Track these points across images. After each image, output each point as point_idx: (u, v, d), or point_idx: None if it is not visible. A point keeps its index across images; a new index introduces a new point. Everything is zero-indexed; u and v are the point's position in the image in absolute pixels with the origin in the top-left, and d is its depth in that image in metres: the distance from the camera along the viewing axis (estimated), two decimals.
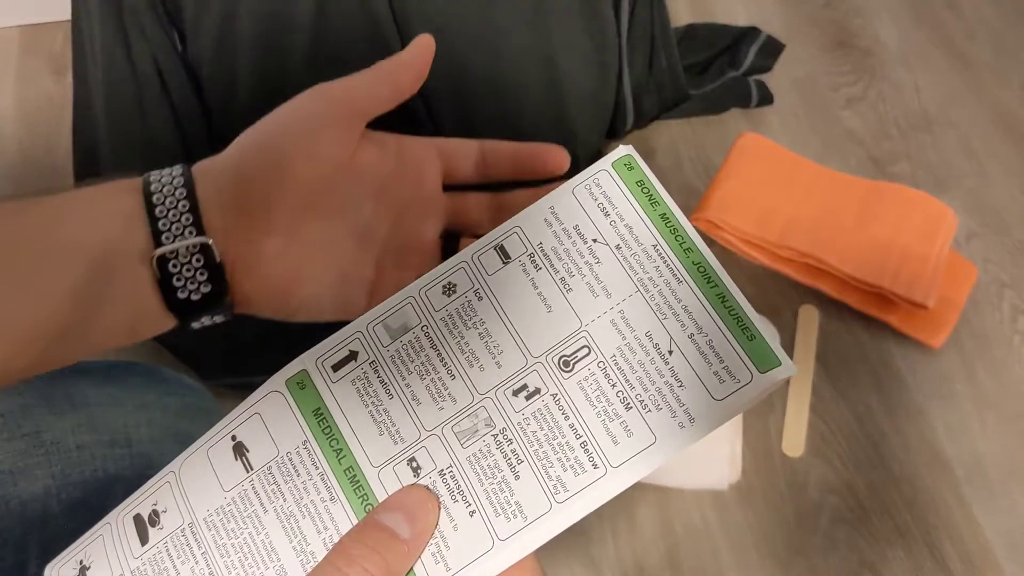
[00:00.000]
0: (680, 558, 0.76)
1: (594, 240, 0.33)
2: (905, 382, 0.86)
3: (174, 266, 0.33)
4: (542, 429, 0.31)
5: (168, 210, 0.33)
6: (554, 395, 0.31)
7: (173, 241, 0.33)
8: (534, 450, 0.31)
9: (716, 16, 1.20)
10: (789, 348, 0.87)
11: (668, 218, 0.33)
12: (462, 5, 0.73)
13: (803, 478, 0.80)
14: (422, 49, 0.40)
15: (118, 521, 0.34)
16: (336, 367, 0.33)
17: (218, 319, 0.35)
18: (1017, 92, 1.11)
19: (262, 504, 0.32)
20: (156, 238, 0.33)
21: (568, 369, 0.32)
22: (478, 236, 0.35)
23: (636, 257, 0.32)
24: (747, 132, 1.00)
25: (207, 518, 0.33)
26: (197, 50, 0.72)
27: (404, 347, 0.33)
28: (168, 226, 0.33)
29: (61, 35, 1.18)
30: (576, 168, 0.96)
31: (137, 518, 0.34)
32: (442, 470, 0.31)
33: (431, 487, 0.31)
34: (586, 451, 0.31)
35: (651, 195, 0.33)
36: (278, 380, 0.33)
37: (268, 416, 0.33)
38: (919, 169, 1.03)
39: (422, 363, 0.33)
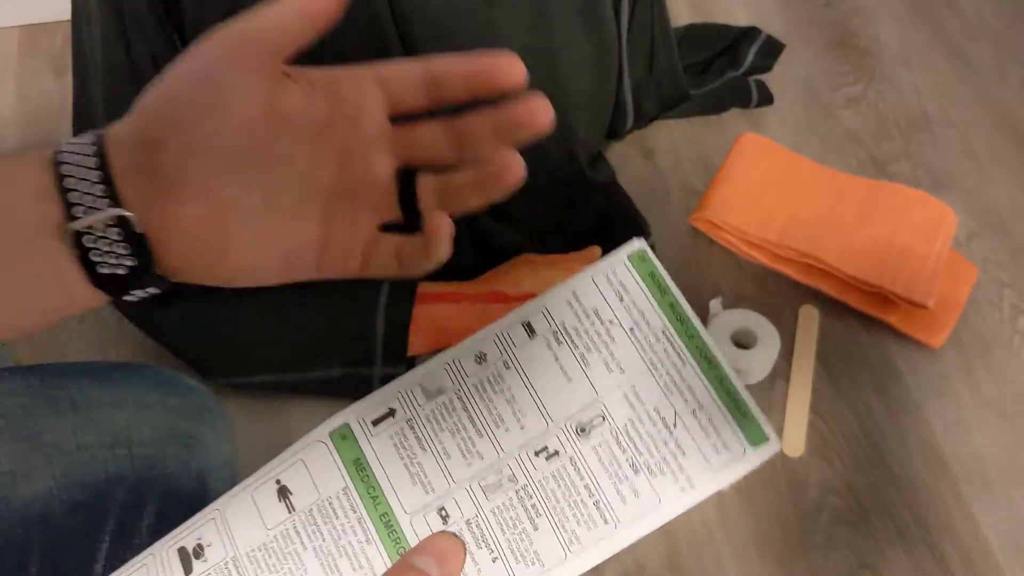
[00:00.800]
0: (680, 558, 0.76)
1: (610, 322, 0.37)
2: (905, 382, 0.86)
3: (91, 240, 0.31)
4: (560, 487, 0.35)
5: (79, 181, 0.31)
6: (571, 457, 0.35)
7: (86, 215, 0.31)
8: (552, 505, 0.35)
9: (716, 16, 1.20)
10: (789, 348, 0.87)
11: (675, 307, 0.37)
12: (462, 4, 0.73)
13: (803, 478, 0.80)
14: None
15: (162, 553, 0.36)
16: (376, 422, 0.37)
17: (153, 291, 0.34)
18: (1017, 92, 1.11)
19: (302, 543, 0.35)
20: (68, 212, 0.31)
21: (584, 434, 0.36)
22: (437, 170, 0.37)
23: (647, 339, 0.37)
24: (747, 132, 1.00)
25: (250, 553, 0.35)
26: None
27: (438, 407, 0.37)
28: (80, 199, 0.31)
29: (61, 35, 1.18)
30: (574, 160, 0.95)
31: (182, 551, 0.36)
32: (469, 519, 0.35)
33: (458, 534, 0.34)
34: (598, 509, 0.34)
35: (661, 285, 0.38)
36: (322, 431, 0.37)
37: (311, 463, 0.36)
38: (919, 169, 1.03)
39: (454, 423, 0.36)
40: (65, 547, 0.51)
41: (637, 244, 0.38)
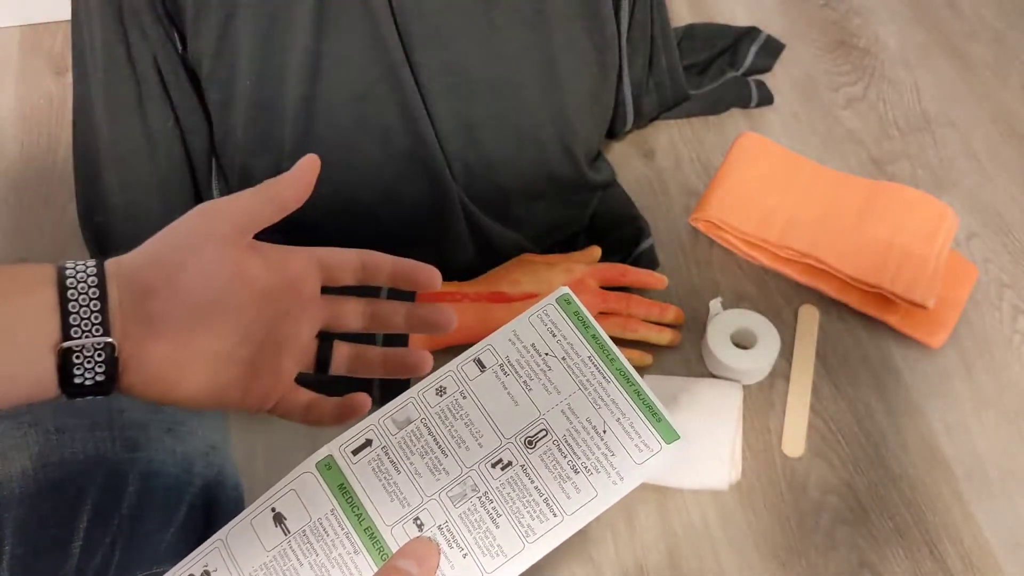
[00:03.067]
0: (680, 558, 0.76)
1: (546, 354, 0.45)
2: (905, 382, 0.86)
3: (77, 357, 0.37)
4: (514, 491, 0.42)
5: (80, 307, 0.37)
6: (522, 466, 0.43)
7: (81, 336, 0.37)
8: (509, 506, 0.42)
9: (716, 16, 1.20)
10: (789, 348, 0.88)
11: (597, 337, 0.45)
12: (462, 5, 0.73)
13: (803, 478, 0.80)
14: (307, 169, 0.44)
15: None
16: (355, 452, 0.43)
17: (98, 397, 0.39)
18: (1017, 92, 1.11)
19: (298, 559, 0.41)
20: (65, 331, 0.37)
21: (532, 446, 0.43)
22: (350, 339, 0.47)
23: (576, 365, 0.45)
24: (747, 132, 1.00)
25: (252, 573, 0.41)
26: (197, 50, 0.72)
27: (408, 435, 0.44)
28: (78, 322, 0.37)
29: (61, 35, 1.18)
30: (574, 160, 0.95)
31: None
32: (440, 525, 0.41)
33: (433, 538, 0.41)
34: (547, 505, 0.42)
35: (584, 321, 0.46)
36: (309, 463, 0.43)
37: (302, 492, 0.43)
38: (919, 169, 1.03)
39: (422, 446, 0.43)
40: (41, 525, 0.51)
41: (562, 290, 0.47)
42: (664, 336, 0.86)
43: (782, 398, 0.85)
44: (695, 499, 0.79)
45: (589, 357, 0.45)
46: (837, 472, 0.81)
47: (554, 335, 0.46)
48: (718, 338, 0.85)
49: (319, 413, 0.46)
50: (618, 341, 0.85)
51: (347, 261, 0.46)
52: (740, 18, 1.19)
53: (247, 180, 0.77)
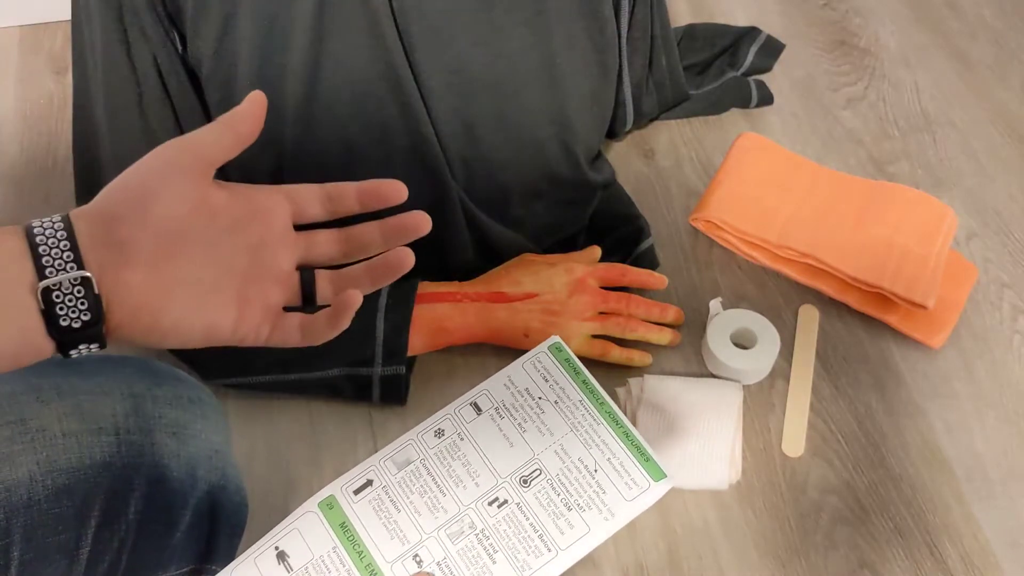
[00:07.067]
0: (680, 558, 0.76)
1: (539, 398, 0.48)
2: (905, 382, 0.86)
3: (57, 296, 0.38)
4: (510, 528, 0.45)
5: (51, 248, 0.38)
6: (518, 503, 0.45)
7: (56, 273, 0.38)
8: (505, 543, 0.44)
9: (716, 16, 1.20)
10: (789, 348, 0.88)
11: (587, 383, 0.49)
12: (462, 4, 0.73)
13: (803, 478, 0.80)
14: (256, 103, 0.45)
15: None
16: (357, 491, 0.46)
17: (94, 348, 0.40)
18: (1017, 92, 1.11)
19: None
20: (39, 271, 0.38)
21: (526, 485, 0.46)
22: (331, 267, 0.47)
23: (568, 408, 0.48)
24: (747, 132, 1.00)
25: None
26: (197, 50, 0.72)
27: (407, 475, 0.46)
28: (51, 262, 0.38)
29: (61, 35, 1.18)
30: (574, 160, 0.95)
31: None
32: (439, 561, 0.44)
33: (432, 574, 0.43)
34: (542, 540, 0.44)
35: (575, 368, 0.49)
36: (312, 503, 0.46)
37: (305, 530, 0.45)
38: (919, 169, 1.03)
39: (421, 486, 0.46)
40: (48, 532, 0.52)
41: (554, 338, 0.50)
42: (664, 336, 0.86)
43: (782, 398, 0.85)
44: (695, 499, 0.79)
45: (580, 401, 0.48)
46: (837, 472, 0.81)
47: (547, 380, 0.49)
48: (718, 338, 0.85)
49: (314, 329, 0.46)
50: (618, 341, 0.85)
51: (311, 192, 0.47)
52: (740, 18, 1.19)
53: (248, 180, 0.77)
